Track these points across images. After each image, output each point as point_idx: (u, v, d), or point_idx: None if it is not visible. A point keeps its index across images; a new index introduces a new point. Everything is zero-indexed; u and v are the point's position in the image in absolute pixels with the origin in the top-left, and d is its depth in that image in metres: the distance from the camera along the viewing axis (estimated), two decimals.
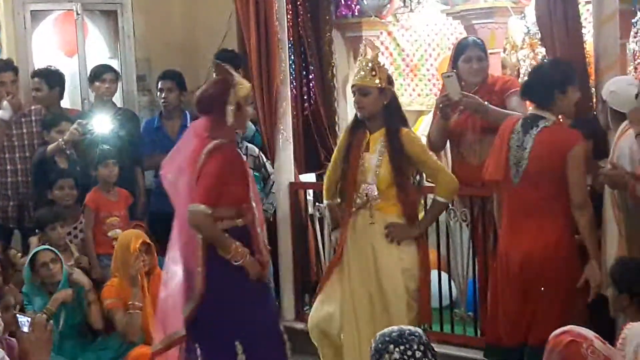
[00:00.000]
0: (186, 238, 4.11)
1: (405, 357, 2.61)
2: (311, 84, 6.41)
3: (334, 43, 6.64)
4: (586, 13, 5.26)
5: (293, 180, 5.72)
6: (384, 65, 4.42)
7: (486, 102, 4.70)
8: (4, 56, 6.36)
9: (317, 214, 5.59)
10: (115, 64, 6.85)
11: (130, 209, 5.74)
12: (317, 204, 5.62)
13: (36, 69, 6.32)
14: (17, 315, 4.08)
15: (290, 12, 6.08)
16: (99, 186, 5.59)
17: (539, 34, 4.95)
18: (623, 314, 3.67)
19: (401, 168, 4.24)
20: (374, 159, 4.27)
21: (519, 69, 6.20)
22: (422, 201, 4.82)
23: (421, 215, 4.53)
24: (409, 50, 6.85)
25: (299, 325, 5.48)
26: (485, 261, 4.84)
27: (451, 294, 5.27)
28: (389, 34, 6.87)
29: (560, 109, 4.13)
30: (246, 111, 4.16)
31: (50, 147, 5.63)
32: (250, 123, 5.68)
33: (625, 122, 3.92)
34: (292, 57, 6.16)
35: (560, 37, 4.52)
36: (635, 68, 4.99)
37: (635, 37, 5.00)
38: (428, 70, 6.78)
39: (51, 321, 3.89)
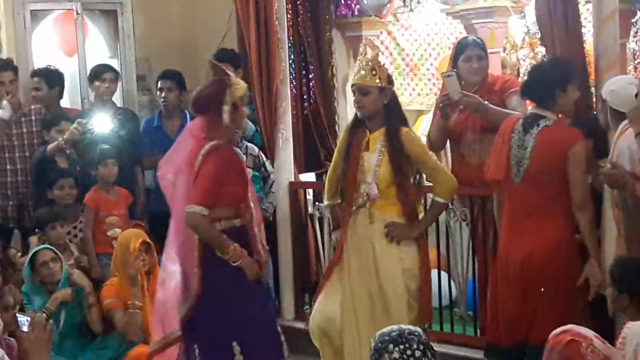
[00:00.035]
0: (183, 238, 4.11)
1: (405, 356, 2.61)
2: (311, 84, 6.42)
3: (334, 42, 6.64)
4: (586, 12, 5.27)
5: (293, 179, 5.72)
6: (384, 64, 4.42)
7: (486, 102, 4.70)
8: (4, 56, 6.35)
9: (317, 214, 5.59)
10: (115, 63, 6.86)
11: (130, 209, 5.74)
12: (316, 203, 5.62)
13: (36, 68, 6.31)
14: (17, 314, 4.07)
15: (290, 11, 6.08)
16: (98, 185, 5.59)
17: (539, 33, 4.95)
18: (623, 314, 3.67)
19: (401, 167, 4.24)
20: (374, 158, 4.26)
21: (518, 69, 6.20)
22: (422, 201, 4.82)
23: (421, 215, 4.53)
24: (408, 50, 6.85)
25: (299, 325, 5.48)
26: (485, 261, 4.84)
27: (451, 294, 5.27)
28: (389, 33, 6.87)
29: (560, 107, 4.13)
30: (242, 111, 4.16)
31: (50, 146, 5.63)
32: (250, 123, 5.69)
33: (625, 122, 3.92)
34: (292, 57, 6.16)
35: (560, 36, 4.52)
36: (635, 67, 4.99)
37: (635, 36, 5.00)
38: (428, 69, 6.79)
39: (51, 321, 3.89)
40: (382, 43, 6.78)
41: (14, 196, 5.89)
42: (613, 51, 4.29)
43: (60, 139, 5.61)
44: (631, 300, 3.54)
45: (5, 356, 3.62)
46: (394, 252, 4.25)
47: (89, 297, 5.05)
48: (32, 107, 5.97)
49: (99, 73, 6.14)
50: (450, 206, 4.93)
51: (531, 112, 4.22)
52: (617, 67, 4.30)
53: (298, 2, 6.29)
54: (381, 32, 6.82)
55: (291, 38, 6.09)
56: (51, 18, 7.14)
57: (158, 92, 6.15)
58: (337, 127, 6.49)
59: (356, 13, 6.67)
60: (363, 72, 4.26)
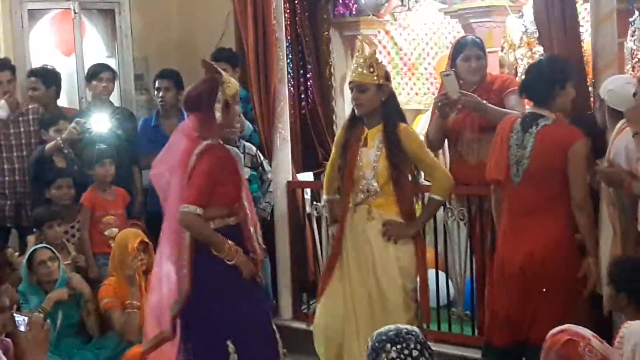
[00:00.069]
0: (175, 238, 4.11)
1: (402, 356, 2.61)
2: (309, 83, 6.42)
3: (332, 42, 6.65)
4: (584, 12, 5.27)
5: (291, 179, 5.71)
6: (381, 61, 4.42)
7: (485, 101, 4.69)
8: (1, 55, 6.34)
9: (315, 213, 5.59)
10: (112, 62, 6.85)
11: (128, 208, 5.73)
12: (314, 203, 5.61)
13: (32, 68, 6.31)
14: (14, 314, 4.06)
15: (288, 10, 6.08)
16: (95, 185, 5.58)
17: (537, 32, 4.94)
18: (621, 313, 3.67)
19: (398, 164, 4.23)
20: (372, 154, 4.26)
21: (516, 68, 6.20)
22: (420, 201, 4.81)
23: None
24: (406, 49, 6.85)
25: (297, 325, 5.48)
26: (483, 260, 4.84)
27: (449, 293, 5.26)
28: (387, 32, 6.88)
29: (558, 106, 4.13)
30: (234, 109, 4.15)
31: (48, 145, 5.62)
32: (247, 122, 5.68)
33: (622, 121, 3.92)
34: (290, 56, 6.17)
35: (558, 35, 4.52)
36: (633, 67, 5.00)
37: (632, 35, 5.01)
38: (426, 69, 6.79)
39: (48, 320, 3.88)
40: (380, 42, 6.78)
41: (12, 195, 5.88)
42: (611, 50, 4.29)
43: (58, 138, 5.61)
44: (629, 300, 3.53)
45: (2, 356, 3.62)
46: (391, 251, 4.25)
47: (88, 305, 5.04)
48: (30, 106, 5.96)
49: (96, 72, 6.14)
50: (448, 206, 4.93)
51: (529, 112, 4.22)
52: (614, 67, 4.31)
53: (296, 2, 6.30)
54: (379, 32, 6.82)
55: (289, 37, 6.09)
56: (48, 17, 7.13)
57: (155, 92, 6.14)
58: (334, 127, 6.49)
59: (354, 12, 6.67)
60: (361, 69, 4.25)
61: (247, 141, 5.69)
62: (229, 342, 4.02)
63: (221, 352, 4.01)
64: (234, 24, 6.38)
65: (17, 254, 5.40)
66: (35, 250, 5.00)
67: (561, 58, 4.33)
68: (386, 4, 6.58)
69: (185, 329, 4.10)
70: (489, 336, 4.34)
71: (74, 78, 6.87)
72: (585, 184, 4.06)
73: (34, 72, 6.13)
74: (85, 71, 6.37)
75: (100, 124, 5.82)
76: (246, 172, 5.40)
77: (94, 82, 6.12)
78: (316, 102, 6.43)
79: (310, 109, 6.39)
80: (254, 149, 5.69)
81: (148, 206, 5.91)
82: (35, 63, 6.53)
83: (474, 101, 4.68)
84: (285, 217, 5.67)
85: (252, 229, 4.19)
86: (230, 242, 4.03)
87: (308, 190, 5.78)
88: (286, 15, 5.91)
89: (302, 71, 6.41)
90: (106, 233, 5.47)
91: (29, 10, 6.65)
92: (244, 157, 5.52)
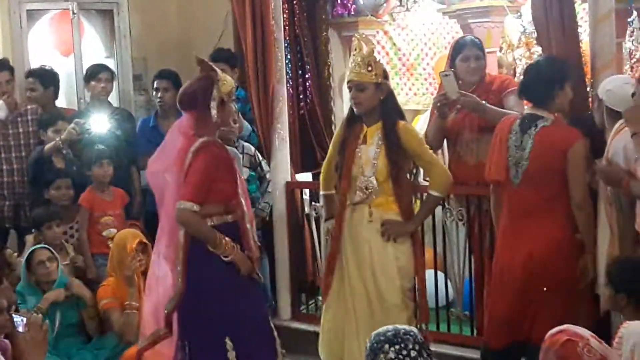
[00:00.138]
0: (171, 236, 4.11)
1: (401, 356, 2.61)
2: (307, 83, 6.42)
3: (330, 42, 6.65)
4: (582, 12, 5.27)
5: (289, 179, 5.71)
6: (379, 60, 4.42)
7: (484, 101, 4.69)
8: (0, 56, 6.35)
9: (314, 214, 5.59)
10: (111, 63, 6.85)
11: (126, 209, 5.73)
12: (313, 203, 5.61)
13: (30, 68, 6.31)
14: (13, 315, 4.06)
15: (287, 11, 6.07)
16: (93, 186, 5.58)
17: (535, 33, 4.94)
18: (620, 313, 3.67)
19: (397, 161, 4.23)
20: (372, 151, 4.26)
21: (515, 68, 6.20)
22: (419, 200, 4.81)
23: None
24: (405, 50, 6.85)
25: (295, 325, 5.48)
26: (481, 260, 4.84)
27: (447, 294, 5.26)
28: (385, 33, 6.88)
29: (557, 106, 4.13)
30: (230, 107, 4.16)
31: (47, 146, 5.62)
32: (246, 122, 5.68)
33: (621, 121, 3.92)
34: (289, 56, 6.16)
35: (557, 36, 4.52)
36: (632, 67, 5.01)
37: (631, 36, 5.02)
38: (424, 69, 6.79)
39: (47, 321, 3.87)
40: (378, 43, 6.78)
41: (11, 196, 5.88)
42: (609, 51, 4.30)
43: (57, 139, 5.60)
44: (628, 300, 3.53)
45: (1, 357, 3.61)
46: (390, 251, 4.25)
47: (89, 311, 5.04)
48: (29, 107, 5.96)
49: (95, 73, 6.13)
50: (447, 206, 4.93)
51: (528, 113, 4.21)
52: (613, 67, 4.31)
53: (294, 2, 6.29)
54: (377, 32, 6.82)
55: (287, 38, 6.08)
56: (47, 18, 7.13)
57: (154, 92, 6.13)
58: (333, 127, 6.48)
59: (352, 13, 6.67)
60: (359, 69, 4.24)
61: (245, 141, 5.69)
62: (227, 340, 4.02)
63: (219, 349, 4.01)
64: (232, 24, 6.38)
65: (15, 254, 5.40)
66: (34, 250, 4.99)
67: (559, 58, 4.33)
68: (385, 5, 6.59)
69: (183, 326, 4.10)
70: (487, 339, 4.33)
71: (73, 78, 6.87)
72: (584, 184, 4.07)
73: (32, 73, 6.13)
74: (84, 72, 6.36)
75: (99, 124, 5.82)
76: (245, 173, 5.40)
77: (93, 83, 6.12)
78: (315, 103, 6.43)
79: (308, 109, 6.38)
80: (253, 149, 5.69)
81: (147, 206, 5.92)
82: (34, 63, 6.53)
83: (473, 101, 4.68)
84: (284, 217, 5.67)
85: (248, 226, 4.19)
86: (227, 238, 4.03)
87: (307, 191, 5.78)
88: (285, 15, 5.90)
89: (300, 71, 6.41)
90: (104, 233, 5.47)
91: (27, 10, 6.65)
92: (243, 158, 5.52)
